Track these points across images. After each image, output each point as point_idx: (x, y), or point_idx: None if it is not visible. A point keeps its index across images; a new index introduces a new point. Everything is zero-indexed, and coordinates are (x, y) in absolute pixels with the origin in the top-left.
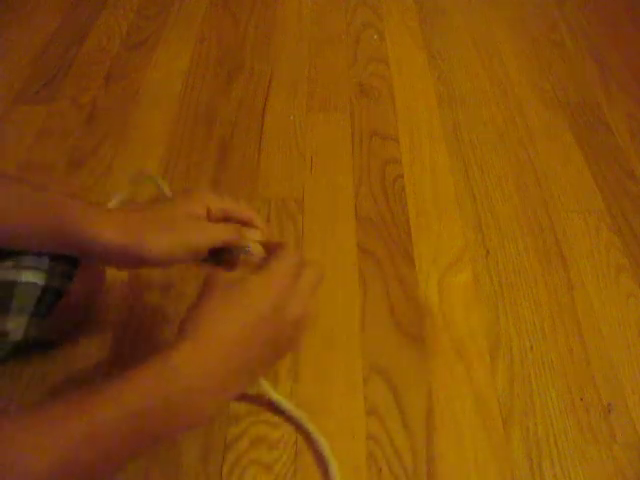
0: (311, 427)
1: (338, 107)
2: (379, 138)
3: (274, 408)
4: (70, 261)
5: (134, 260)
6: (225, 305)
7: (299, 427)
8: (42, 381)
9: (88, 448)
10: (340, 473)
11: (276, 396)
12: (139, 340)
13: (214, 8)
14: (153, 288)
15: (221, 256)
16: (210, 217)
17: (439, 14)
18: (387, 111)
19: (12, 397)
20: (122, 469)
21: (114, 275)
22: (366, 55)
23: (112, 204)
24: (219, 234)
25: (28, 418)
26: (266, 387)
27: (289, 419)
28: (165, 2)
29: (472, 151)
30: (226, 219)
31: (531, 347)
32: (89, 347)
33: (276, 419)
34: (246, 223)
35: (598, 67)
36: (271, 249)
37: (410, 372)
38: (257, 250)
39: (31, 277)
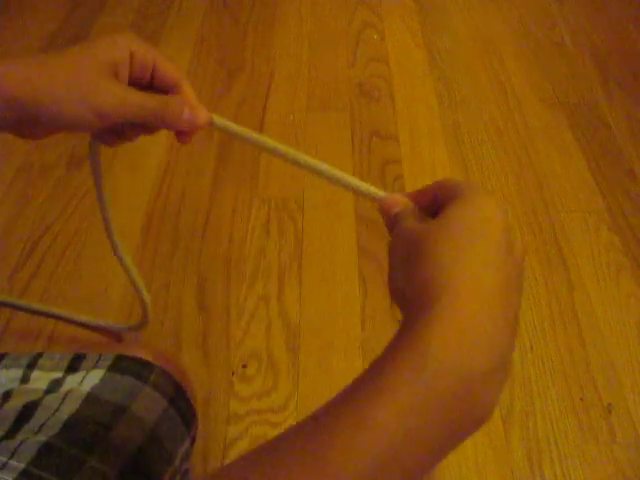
0: None
1: (338, 107)
2: (379, 138)
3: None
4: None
5: (33, 118)
6: (464, 247)
7: None
8: None
9: None
10: None
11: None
12: None
13: (214, 8)
14: None
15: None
16: (132, 66)
17: (439, 14)
18: (387, 111)
19: None
20: None
21: None
22: (366, 55)
23: None
24: (140, 105)
25: None
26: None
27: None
28: (165, 2)
29: (472, 151)
30: (151, 81)
31: (531, 347)
32: None
33: (276, 419)
34: (172, 88)
35: (598, 67)
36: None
37: None
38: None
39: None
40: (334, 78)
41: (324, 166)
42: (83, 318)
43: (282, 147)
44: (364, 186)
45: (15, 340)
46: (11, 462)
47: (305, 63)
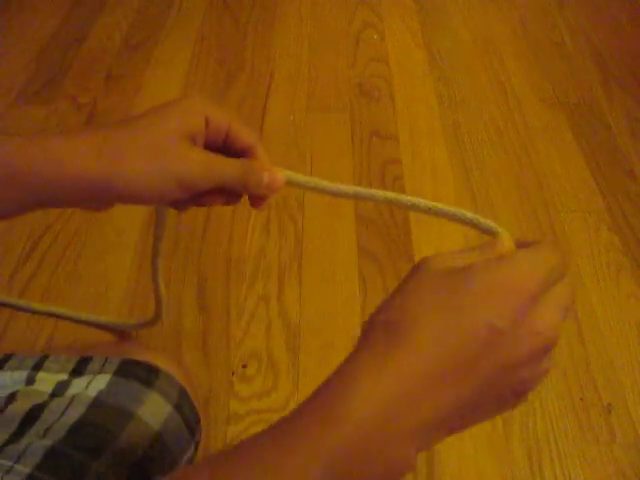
0: None
1: (338, 107)
2: (379, 138)
3: None
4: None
5: (107, 196)
6: (443, 304)
7: None
8: None
9: None
10: None
11: None
12: None
13: (214, 8)
14: None
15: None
16: (208, 132)
17: (439, 14)
18: (387, 111)
19: None
20: None
21: None
22: (366, 55)
23: None
24: (223, 171)
25: None
26: None
27: None
28: (165, 2)
29: (472, 151)
30: (225, 143)
31: None
32: None
33: (276, 419)
34: (246, 151)
35: (598, 67)
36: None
37: None
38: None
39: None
40: (334, 78)
41: (423, 201)
42: (91, 317)
43: (365, 190)
44: (482, 220)
45: (15, 340)
46: (17, 466)
47: (305, 63)
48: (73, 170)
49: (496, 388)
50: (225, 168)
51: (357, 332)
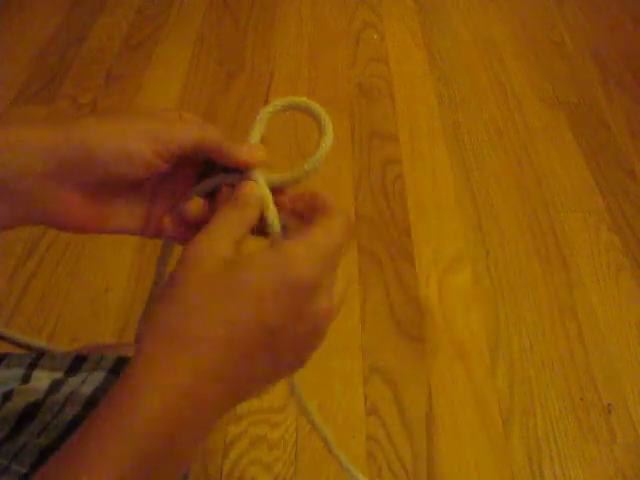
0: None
1: (338, 107)
2: (379, 138)
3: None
4: None
5: (76, 164)
6: (215, 304)
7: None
8: None
9: None
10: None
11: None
12: None
13: (214, 8)
14: None
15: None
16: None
17: (439, 14)
18: (387, 111)
19: None
20: None
21: None
22: (366, 55)
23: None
24: (204, 128)
25: None
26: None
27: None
28: (165, 2)
29: (472, 151)
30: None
31: (531, 347)
32: None
33: (276, 419)
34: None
35: (598, 67)
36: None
37: (410, 372)
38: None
39: None
40: (334, 78)
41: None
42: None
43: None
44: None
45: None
46: (13, 466)
47: (305, 63)
48: (33, 139)
49: (278, 366)
50: (206, 127)
51: (357, 331)
